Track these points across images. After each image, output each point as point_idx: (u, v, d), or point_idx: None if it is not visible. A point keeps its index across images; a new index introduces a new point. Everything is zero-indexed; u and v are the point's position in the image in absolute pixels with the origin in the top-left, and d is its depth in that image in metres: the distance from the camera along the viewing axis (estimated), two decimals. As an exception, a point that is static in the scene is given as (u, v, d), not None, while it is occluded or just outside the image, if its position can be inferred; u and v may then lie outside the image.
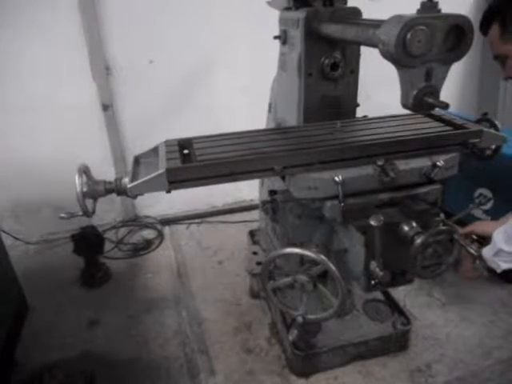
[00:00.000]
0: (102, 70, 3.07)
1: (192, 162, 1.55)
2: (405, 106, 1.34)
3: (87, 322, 2.50)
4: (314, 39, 1.80)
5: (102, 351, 2.29)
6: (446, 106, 1.23)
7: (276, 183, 1.80)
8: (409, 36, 1.17)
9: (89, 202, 1.53)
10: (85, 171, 1.52)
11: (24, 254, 3.19)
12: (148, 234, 3.47)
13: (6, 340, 2.18)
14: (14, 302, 2.44)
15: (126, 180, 1.52)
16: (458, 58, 1.27)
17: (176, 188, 1.50)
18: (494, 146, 1.83)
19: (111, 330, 2.44)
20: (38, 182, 3.19)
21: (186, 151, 1.68)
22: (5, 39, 2.84)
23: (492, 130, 1.76)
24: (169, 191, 1.50)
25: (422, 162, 1.61)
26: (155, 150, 1.72)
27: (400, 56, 1.21)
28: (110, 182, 1.54)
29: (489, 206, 2.59)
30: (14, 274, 2.50)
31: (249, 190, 3.54)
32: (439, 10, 1.23)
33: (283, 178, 1.63)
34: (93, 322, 2.51)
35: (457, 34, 1.23)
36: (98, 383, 2.03)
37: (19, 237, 3.24)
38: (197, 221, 3.63)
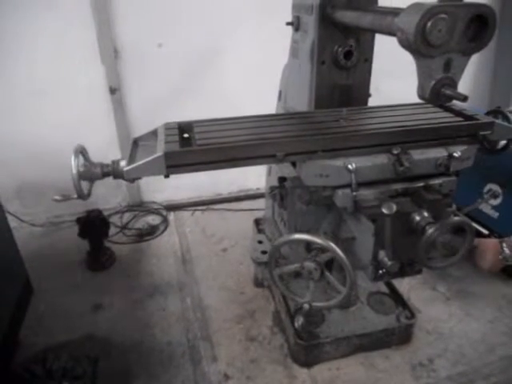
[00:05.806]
0: (111, 53, 3.04)
1: (191, 146, 1.51)
2: (421, 97, 1.30)
3: (91, 306, 2.51)
4: (328, 26, 1.76)
5: (105, 335, 2.30)
6: (464, 98, 1.20)
7: (285, 170, 1.78)
8: (429, 25, 1.14)
9: (85, 185, 1.47)
10: (82, 152, 1.46)
11: (29, 236, 3.19)
12: (153, 219, 3.47)
13: (11, 321, 2.18)
14: (19, 284, 2.44)
15: (123, 163, 1.46)
16: (478, 48, 1.23)
17: (174, 173, 1.45)
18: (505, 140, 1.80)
19: (115, 314, 2.45)
20: (44, 165, 3.18)
21: (186, 135, 1.63)
22: (13, 20, 2.80)
23: (504, 123, 1.73)
24: (167, 176, 1.45)
25: (438, 153, 1.58)
26: (154, 132, 1.67)
27: (419, 45, 1.17)
28: (108, 165, 1.48)
29: (498, 201, 2.57)
30: (19, 255, 2.49)
31: (255, 179, 3.52)
32: (461, -1, 1.19)
33: (294, 165, 1.60)
34: (97, 305, 2.52)
35: (479, 24, 1.19)
36: (101, 366, 2.04)
37: (25, 219, 3.26)
38: (202, 208, 3.62)
